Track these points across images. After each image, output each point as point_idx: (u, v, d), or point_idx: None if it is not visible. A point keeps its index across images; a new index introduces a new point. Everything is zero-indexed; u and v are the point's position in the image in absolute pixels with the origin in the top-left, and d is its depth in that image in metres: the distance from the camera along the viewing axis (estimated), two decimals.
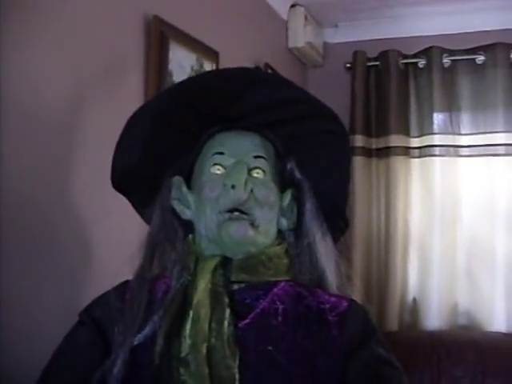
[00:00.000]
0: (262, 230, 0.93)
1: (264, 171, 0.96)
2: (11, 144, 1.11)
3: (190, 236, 0.98)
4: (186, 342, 0.84)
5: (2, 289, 1.08)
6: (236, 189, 0.90)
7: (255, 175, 0.95)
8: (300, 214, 1.00)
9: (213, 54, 1.84)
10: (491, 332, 2.59)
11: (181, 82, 1.03)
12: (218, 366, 0.83)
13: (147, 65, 1.54)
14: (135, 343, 0.87)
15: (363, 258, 2.73)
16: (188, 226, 0.99)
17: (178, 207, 0.99)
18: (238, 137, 0.98)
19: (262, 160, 0.96)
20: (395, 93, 2.69)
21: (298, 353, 0.87)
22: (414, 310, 2.73)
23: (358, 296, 1.02)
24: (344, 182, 1.06)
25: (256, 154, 0.96)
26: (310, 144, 1.01)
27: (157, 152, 0.99)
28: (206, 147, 0.99)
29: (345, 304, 0.93)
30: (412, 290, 2.74)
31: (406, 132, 2.72)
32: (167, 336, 0.86)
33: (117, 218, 1.34)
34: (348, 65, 2.79)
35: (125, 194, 1.06)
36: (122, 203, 1.07)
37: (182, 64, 1.66)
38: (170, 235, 0.97)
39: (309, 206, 1.00)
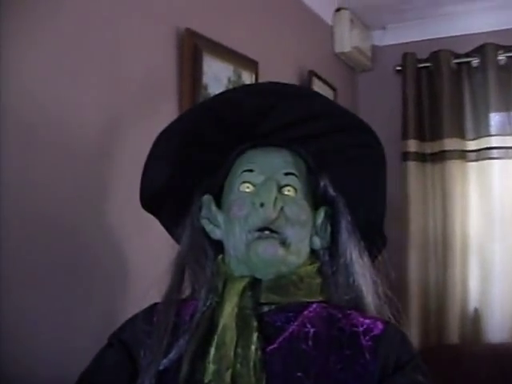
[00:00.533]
0: (294, 249, 0.88)
1: (295, 189, 0.91)
2: (46, 172, 1.12)
3: (220, 256, 0.93)
4: (210, 368, 0.81)
5: (40, 313, 1.09)
6: (265, 207, 0.86)
7: (286, 193, 0.90)
8: (335, 232, 0.95)
9: (251, 64, 1.80)
10: None
11: (207, 100, 1.01)
12: None
13: (181, 79, 1.51)
14: (161, 368, 0.84)
15: (420, 268, 2.63)
16: (218, 247, 0.95)
17: (208, 227, 0.95)
18: (268, 153, 0.94)
19: (293, 177, 0.92)
20: (448, 94, 2.59)
21: (329, 379, 0.81)
22: (475, 321, 2.61)
23: (398, 317, 0.95)
24: (380, 197, 1.00)
25: (286, 171, 0.91)
26: (344, 159, 0.97)
27: (184, 171, 0.97)
28: (236, 165, 0.95)
29: (380, 327, 0.86)
30: (473, 300, 2.61)
31: (462, 135, 2.61)
32: (192, 361, 0.82)
33: (150, 238, 1.32)
34: (398, 67, 2.69)
35: (154, 214, 1.03)
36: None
37: (217, 76, 1.62)
38: (200, 256, 0.94)
39: (344, 223, 0.95)
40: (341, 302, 0.92)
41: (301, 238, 0.90)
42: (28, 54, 1.11)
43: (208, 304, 0.88)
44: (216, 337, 0.83)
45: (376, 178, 0.99)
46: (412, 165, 2.63)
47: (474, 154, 2.61)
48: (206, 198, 0.96)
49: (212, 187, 0.97)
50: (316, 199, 0.95)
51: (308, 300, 0.89)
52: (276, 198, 0.87)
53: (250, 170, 0.91)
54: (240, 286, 0.86)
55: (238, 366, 0.80)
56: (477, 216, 2.61)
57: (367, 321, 0.88)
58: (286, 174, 0.91)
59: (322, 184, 0.96)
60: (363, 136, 0.95)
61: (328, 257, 0.96)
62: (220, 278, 0.89)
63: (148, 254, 1.32)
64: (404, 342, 0.87)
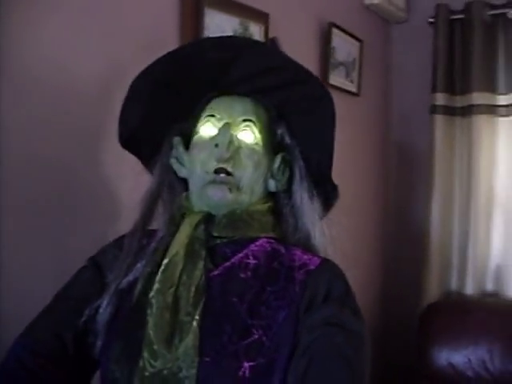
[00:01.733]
0: (247, 189, 1.00)
1: (252, 134, 1.01)
2: (46, 115, 1.24)
3: (185, 193, 1.05)
4: (155, 286, 0.92)
5: (38, 246, 1.22)
6: (219, 147, 0.97)
7: (242, 137, 1.01)
8: (290, 177, 1.06)
9: (261, 16, 1.84)
10: None
11: (173, 50, 1.07)
12: (181, 312, 0.90)
13: (182, 32, 1.57)
14: (120, 287, 0.98)
15: (443, 221, 2.64)
16: (186, 184, 1.07)
17: (175, 165, 1.06)
18: (231, 101, 1.04)
19: (250, 123, 1.02)
20: (481, 47, 2.52)
21: (261, 306, 0.92)
22: (496, 277, 2.61)
23: (343, 259, 1.03)
24: (327, 149, 1.08)
25: (245, 118, 1.02)
26: (298, 110, 1.06)
27: (158, 114, 1.07)
28: (203, 111, 1.05)
29: (316, 263, 0.97)
30: (495, 256, 2.61)
31: (493, 89, 2.56)
32: (146, 282, 0.95)
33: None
34: (431, 19, 2.63)
35: (134, 154, 1.14)
36: None
37: (222, 29, 1.68)
38: (168, 191, 1.06)
39: (297, 169, 1.06)
40: (290, 240, 1.03)
41: (255, 179, 1.01)
42: (31, 5, 1.21)
43: (168, 233, 1.00)
44: (165, 260, 0.95)
45: (325, 129, 1.07)
46: (440, 118, 2.61)
47: (505, 108, 2.55)
48: (176, 139, 1.07)
49: (183, 131, 1.08)
50: (275, 146, 1.06)
51: (257, 235, 1.00)
52: (230, 141, 0.98)
53: (212, 115, 1.02)
54: (195, 219, 0.98)
55: (181, 288, 0.92)
56: (503, 172, 2.58)
57: (305, 257, 0.98)
58: (245, 120, 1.02)
59: (279, 132, 1.06)
60: (315, 89, 1.04)
61: (285, 200, 1.07)
62: (180, 211, 1.02)
63: None
64: (337, 278, 0.96)
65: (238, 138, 1.00)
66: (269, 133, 1.04)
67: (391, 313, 2.85)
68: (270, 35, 1.86)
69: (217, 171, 0.98)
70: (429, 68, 2.63)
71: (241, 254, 0.97)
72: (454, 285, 2.68)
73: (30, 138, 1.24)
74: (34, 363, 0.93)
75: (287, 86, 1.04)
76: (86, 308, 0.98)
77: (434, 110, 2.62)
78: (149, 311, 0.90)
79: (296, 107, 1.06)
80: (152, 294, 0.92)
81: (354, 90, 2.48)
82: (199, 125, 1.03)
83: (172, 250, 0.95)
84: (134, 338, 0.90)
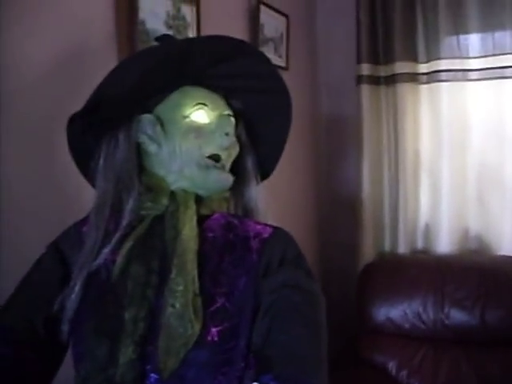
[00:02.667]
0: None
1: (233, 128, 1.11)
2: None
3: (148, 171, 1.08)
4: (173, 273, 0.96)
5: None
6: (229, 136, 1.06)
7: None
8: (241, 165, 1.16)
9: None
10: (499, 256, 2.62)
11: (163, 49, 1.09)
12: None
13: (117, 16, 1.58)
14: (92, 269, 1.00)
15: (374, 186, 2.79)
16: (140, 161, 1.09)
17: (147, 141, 1.06)
18: (211, 94, 1.10)
19: (232, 118, 1.11)
20: (401, 18, 2.65)
21: (221, 275, 0.99)
22: (425, 235, 2.79)
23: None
24: (278, 153, 1.24)
25: (228, 113, 1.11)
26: (260, 116, 1.17)
27: (136, 92, 1.04)
28: (180, 96, 1.08)
29: (269, 231, 1.05)
30: (423, 216, 2.78)
31: (414, 58, 2.69)
32: (128, 260, 0.98)
33: None
34: None
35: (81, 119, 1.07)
36: None
37: (154, 11, 1.70)
38: (132, 168, 1.06)
39: (249, 162, 1.17)
40: (239, 212, 1.15)
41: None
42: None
43: (151, 212, 1.03)
44: (178, 245, 0.98)
45: (281, 134, 1.22)
46: (366, 87, 2.73)
47: (425, 76, 2.69)
48: (150, 117, 1.07)
49: (146, 108, 1.08)
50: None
51: (215, 210, 1.09)
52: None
53: (205, 104, 1.07)
54: (192, 199, 1.04)
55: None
56: (427, 136, 2.73)
57: (259, 227, 1.07)
58: (228, 115, 1.11)
59: (239, 129, 1.16)
60: (284, 100, 1.16)
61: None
62: (163, 191, 1.04)
63: None
64: (289, 244, 1.05)
65: None
66: None
67: (330, 275, 2.99)
68: (202, 16, 1.90)
69: (210, 157, 1.05)
70: (353, 40, 2.73)
71: (200, 230, 1.04)
72: (387, 245, 2.84)
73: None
74: (5, 349, 0.96)
75: (257, 93, 1.14)
76: (52, 292, 1.01)
77: (359, 80, 2.74)
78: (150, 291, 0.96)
79: (258, 111, 1.17)
80: (178, 285, 0.94)
81: (282, 64, 2.55)
82: (187, 110, 1.06)
83: (184, 236, 0.99)
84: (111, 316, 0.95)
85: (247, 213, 1.16)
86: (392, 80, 2.71)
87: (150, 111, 1.09)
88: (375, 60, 2.74)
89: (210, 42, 1.07)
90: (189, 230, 0.99)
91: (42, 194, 1.34)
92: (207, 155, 1.05)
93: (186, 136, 1.05)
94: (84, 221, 1.09)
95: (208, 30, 1.93)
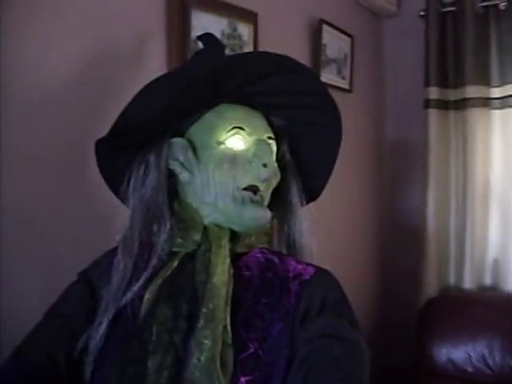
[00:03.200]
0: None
1: (274, 152, 1.02)
2: None
3: (180, 202, 1.00)
4: (201, 323, 0.86)
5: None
6: (268, 168, 0.96)
7: None
8: (285, 192, 1.07)
9: (249, 16, 1.81)
10: None
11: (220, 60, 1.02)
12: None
13: (169, 35, 1.55)
14: (121, 306, 0.93)
15: (439, 216, 2.63)
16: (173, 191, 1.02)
17: (179, 169, 0.98)
18: (250, 114, 1.01)
19: (274, 142, 1.03)
20: (473, 39, 2.49)
21: (255, 319, 0.90)
22: (494, 270, 2.59)
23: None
24: (328, 173, 1.13)
25: (269, 136, 1.01)
26: (305, 131, 1.08)
27: (176, 109, 0.97)
28: (215, 117, 0.99)
29: (310, 272, 0.95)
30: (492, 249, 2.59)
31: (486, 81, 2.52)
32: (155, 298, 0.91)
33: None
34: (422, 12, 2.61)
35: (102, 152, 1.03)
36: None
37: (208, 30, 1.65)
38: (163, 197, 0.98)
39: (294, 186, 1.07)
40: (282, 248, 1.06)
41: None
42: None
43: (182, 249, 0.96)
44: (208, 291, 0.88)
45: (330, 155, 1.11)
46: (434, 112, 2.59)
47: (498, 101, 2.52)
48: (181, 142, 0.98)
49: (176, 131, 1.01)
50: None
51: (255, 245, 1.00)
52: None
53: (241, 128, 0.98)
54: (226, 238, 0.95)
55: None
56: (499, 165, 2.55)
57: (300, 266, 0.97)
58: (268, 137, 1.01)
59: (282, 149, 1.07)
60: (329, 119, 1.06)
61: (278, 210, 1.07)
62: (195, 225, 0.97)
63: None
64: (332, 288, 0.94)
65: None
66: None
67: (390, 308, 2.85)
68: (259, 35, 1.84)
69: (247, 188, 0.96)
70: (421, 62, 2.61)
71: (236, 267, 0.95)
72: (452, 279, 2.66)
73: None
74: None
75: (302, 108, 1.05)
76: (77, 325, 0.95)
77: (427, 104, 2.60)
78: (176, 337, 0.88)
79: (304, 129, 1.07)
80: (204, 334, 0.86)
81: (346, 86, 2.45)
82: (222, 134, 0.97)
83: (215, 278, 0.90)
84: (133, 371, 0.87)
85: (290, 246, 1.06)
86: (462, 104, 2.56)
87: (182, 132, 1.01)
88: (444, 83, 2.60)
89: (248, 60, 0.98)
90: (221, 275, 0.90)
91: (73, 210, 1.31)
92: (243, 187, 0.95)
93: (220, 165, 0.95)
94: (116, 250, 1.01)
95: (266, 50, 1.87)
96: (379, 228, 2.88)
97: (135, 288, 0.93)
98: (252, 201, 0.96)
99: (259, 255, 0.98)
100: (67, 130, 1.29)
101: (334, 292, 0.94)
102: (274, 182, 1.01)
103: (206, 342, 0.84)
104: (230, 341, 0.85)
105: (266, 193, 0.99)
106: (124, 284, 0.94)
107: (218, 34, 1.69)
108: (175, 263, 0.94)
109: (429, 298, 2.51)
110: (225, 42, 1.72)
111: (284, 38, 2.03)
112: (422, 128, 2.62)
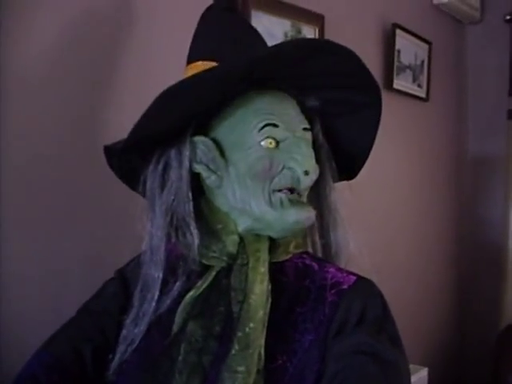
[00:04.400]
0: None
1: (311, 145, 0.89)
2: None
3: (210, 207, 0.91)
4: (235, 349, 0.79)
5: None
6: (310, 175, 0.84)
7: None
8: (318, 180, 0.92)
9: (315, 18, 1.76)
10: None
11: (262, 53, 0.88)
12: None
13: None
14: (150, 320, 0.87)
15: None
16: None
17: (206, 173, 0.87)
18: (282, 103, 0.88)
19: (310, 133, 0.89)
20: None
21: (288, 328, 0.82)
22: None
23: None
24: (364, 156, 0.99)
25: (304, 127, 0.88)
26: (341, 111, 0.94)
27: (197, 108, 0.86)
28: (244, 109, 0.87)
29: (349, 282, 0.85)
30: None
31: None
32: (187, 314, 0.84)
33: None
34: (508, 17, 2.45)
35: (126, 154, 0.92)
36: None
37: (271, 32, 1.61)
38: (186, 202, 0.87)
39: (328, 172, 0.94)
40: (317, 249, 0.95)
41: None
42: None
43: (210, 260, 0.87)
44: (245, 311, 0.80)
45: (365, 138, 0.97)
46: None
47: None
48: (206, 141, 0.86)
49: (200, 128, 0.89)
50: None
51: (294, 251, 0.90)
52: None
53: (275, 125, 0.85)
54: (265, 249, 0.85)
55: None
56: None
57: (340, 275, 0.87)
58: (304, 129, 0.88)
59: (315, 130, 0.93)
60: (370, 97, 0.91)
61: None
62: (229, 235, 0.87)
63: None
64: (372, 299, 0.84)
65: None
66: None
67: (468, 332, 2.67)
68: (326, 37, 1.77)
69: (284, 189, 0.85)
70: (506, 70, 2.45)
71: (274, 273, 0.86)
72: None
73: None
74: (48, 380, 0.86)
75: (339, 88, 0.91)
76: (108, 322, 0.91)
77: (511, 114, 2.43)
78: (205, 359, 0.81)
79: (339, 108, 0.93)
80: (236, 361, 0.78)
81: (422, 95, 2.33)
82: (255, 134, 0.84)
83: (253, 289, 0.81)
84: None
85: (323, 234, 0.94)
86: None
87: (204, 127, 0.89)
88: None
89: (286, 50, 0.84)
90: (259, 294, 0.81)
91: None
92: (279, 189, 0.84)
93: (254, 170, 0.84)
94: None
95: None
96: (459, 247, 2.71)
97: (168, 301, 0.85)
98: (291, 201, 0.85)
99: (297, 261, 0.90)
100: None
101: (375, 304, 0.83)
102: (314, 178, 0.87)
103: (239, 369, 0.77)
104: (261, 366, 0.77)
105: (304, 192, 0.88)
106: (153, 299, 0.86)
107: (280, 35, 1.65)
108: (210, 278, 0.85)
109: (509, 324, 2.33)
110: None
111: (353, 42, 1.91)
112: (506, 141, 2.45)
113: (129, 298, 0.92)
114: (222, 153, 0.87)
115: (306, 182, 0.84)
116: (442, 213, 2.59)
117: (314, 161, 0.86)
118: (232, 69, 0.81)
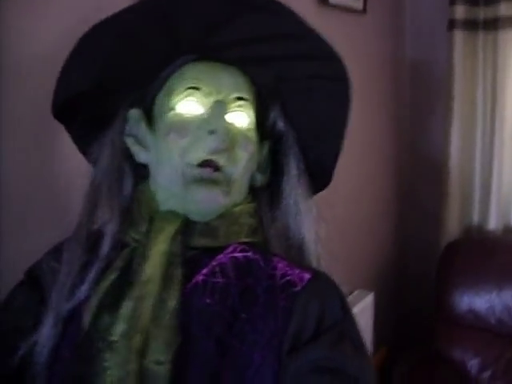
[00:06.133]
0: (237, 187, 0.79)
1: (246, 116, 0.79)
2: None
3: (143, 184, 0.82)
4: (120, 326, 0.70)
5: None
6: (216, 135, 0.74)
7: (233, 121, 0.78)
8: (279, 171, 0.85)
9: None
10: None
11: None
12: (149, 358, 0.69)
13: None
14: (64, 315, 0.76)
15: (464, 151, 2.40)
16: (139, 171, 0.83)
17: (134, 147, 0.82)
18: (217, 71, 0.80)
19: (245, 103, 0.80)
20: None
21: (233, 340, 0.70)
22: None
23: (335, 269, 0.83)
24: (337, 140, 0.87)
25: (238, 95, 0.79)
26: (302, 89, 0.84)
27: (116, 75, 0.81)
28: (175, 79, 0.80)
29: (302, 282, 0.74)
30: None
31: None
32: (98, 310, 0.73)
33: None
34: None
35: (66, 124, 0.90)
36: None
37: None
38: (118, 180, 0.82)
39: (292, 162, 0.84)
40: (277, 248, 0.82)
41: (245, 174, 0.80)
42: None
43: (127, 243, 0.78)
44: (135, 289, 0.71)
45: (335, 116, 0.85)
46: (460, 34, 2.30)
47: None
48: (135, 112, 0.82)
49: (141, 100, 0.83)
50: (263, 130, 0.83)
51: (227, 241, 0.78)
52: (227, 126, 0.76)
53: (196, 88, 0.77)
54: (172, 228, 0.75)
55: (152, 328, 0.70)
56: None
57: (290, 271, 0.75)
58: (238, 98, 0.79)
59: (272, 114, 0.84)
60: (331, 67, 0.81)
61: (268, 197, 0.86)
62: (144, 213, 0.78)
63: None
64: (330, 300, 0.74)
65: (229, 122, 0.78)
66: (258, 114, 0.82)
67: (409, 250, 2.68)
68: None
69: (202, 164, 0.75)
70: None
71: (205, 270, 0.74)
72: (475, 219, 2.46)
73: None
74: None
75: (293, 59, 0.81)
76: (22, 340, 0.77)
77: (452, 24, 2.30)
78: (107, 355, 0.69)
79: (297, 85, 0.83)
80: (117, 336, 0.69)
81: (358, 7, 2.15)
82: (175, 98, 0.78)
83: (145, 273, 0.72)
84: None
85: (289, 241, 0.84)
86: (493, 25, 2.26)
87: (152, 102, 0.82)
88: (473, 0, 2.28)
89: None
90: (151, 274, 0.72)
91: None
92: (196, 163, 0.74)
93: (166, 136, 0.76)
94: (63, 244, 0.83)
95: None
96: (397, 164, 2.65)
97: (80, 294, 0.75)
98: (201, 180, 0.74)
99: (238, 254, 0.77)
100: None
101: (333, 306, 0.73)
102: (243, 155, 0.78)
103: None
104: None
105: (231, 165, 0.77)
106: (69, 283, 0.77)
107: None
108: (122, 258, 0.76)
109: (450, 242, 2.32)
110: None
111: None
112: (446, 52, 2.33)
113: (43, 305, 0.79)
114: (152, 125, 0.81)
115: (212, 142, 0.74)
116: (381, 131, 2.50)
117: (225, 122, 0.76)
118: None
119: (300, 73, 0.83)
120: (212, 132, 0.74)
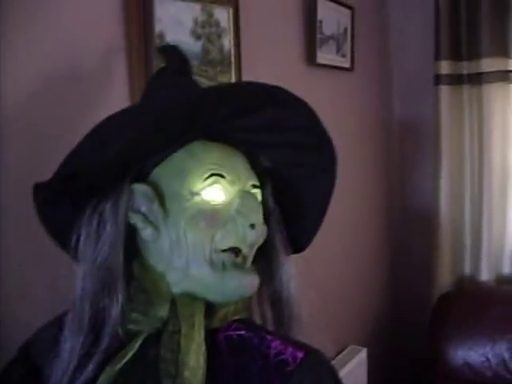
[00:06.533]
0: None
1: (259, 202, 0.84)
2: None
3: (139, 262, 0.80)
4: None
5: None
6: (256, 229, 0.78)
7: None
8: (267, 243, 0.86)
9: None
10: None
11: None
12: None
13: (127, 29, 1.30)
14: None
15: (453, 201, 2.41)
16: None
17: (141, 224, 0.78)
18: (231, 155, 0.82)
19: (259, 191, 0.85)
20: (490, 5, 2.21)
21: None
22: None
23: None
24: (316, 224, 0.94)
25: (253, 183, 0.83)
26: (294, 174, 0.89)
27: (138, 149, 0.77)
28: (187, 159, 0.79)
29: (295, 361, 0.74)
30: (511, 237, 2.37)
31: (505, 53, 2.25)
32: None
33: None
34: None
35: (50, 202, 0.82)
36: None
37: (177, 19, 1.42)
38: (119, 263, 0.77)
39: (278, 237, 0.89)
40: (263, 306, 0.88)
41: None
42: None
43: (136, 325, 0.76)
44: (180, 380, 0.70)
45: (321, 202, 0.92)
46: (445, 89, 2.34)
47: None
48: (146, 189, 0.78)
49: (139, 173, 0.80)
50: None
51: (231, 318, 0.80)
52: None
53: (221, 176, 0.78)
54: (200, 314, 0.75)
55: None
56: None
57: (284, 349, 0.75)
58: (253, 185, 0.83)
59: (266, 193, 0.88)
60: (325, 161, 0.88)
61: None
62: (159, 297, 0.76)
63: None
64: (323, 379, 0.74)
65: None
66: None
67: (401, 303, 2.66)
68: (241, 19, 1.59)
69: (228, 250, 0.77)
70: (431, 33, 2.33)
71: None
72: (467, 270, 2.46)
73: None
74: None
75: (293, 148, 0.86)
76: None
77: (438, 79, 2.35)
78: None
79: (292, 171, 0.89)
80: None
81: (346, 65, 2.20)
82: (197, 183, 0.77)
83: (188, 360, 0.71)
84: None
85: (275, 304, 0.88)
86: (477, 79, 2.30)
87: (145, 174, 0.80)
88: (457, 56, 2.33)
89: (228, 94, 0.76)
90: (195, 368, 0.71)
91: None
92: (223, 248, 0.76)
93: (195, 223, 0.75)
94: (62, 320, 0.79)
95: (250, 36, 1.63)
96: (388, 215, 2.66)
97: (83, 378, 0.73)
98: (234, 265, 0.76)
99: (232, 332, 0.78)
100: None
101: None
102: (261, 241, 0.82)
103: None
104: None
105: (250, 253, 0.80)
106: (70, 371, 0.74)
107: (189, 23, 1.45)
108: (135, 347, 0.74)
109: (442, 294, 2.31)
110: (199, 31, 1.48)
111: (272, 20, 1.78)
112: (433, 107, 2.37)
113: (40, 381, 0.78)
114: (162, 203, 0.78)
115: (252, 236, 0.77)
116: (371, 185, 2.52)
117: (261, 216, 0.80)
118: (171, 103, 0.75)
119: (298, 160, 0.87)
120: (253, 226, 0.77)
